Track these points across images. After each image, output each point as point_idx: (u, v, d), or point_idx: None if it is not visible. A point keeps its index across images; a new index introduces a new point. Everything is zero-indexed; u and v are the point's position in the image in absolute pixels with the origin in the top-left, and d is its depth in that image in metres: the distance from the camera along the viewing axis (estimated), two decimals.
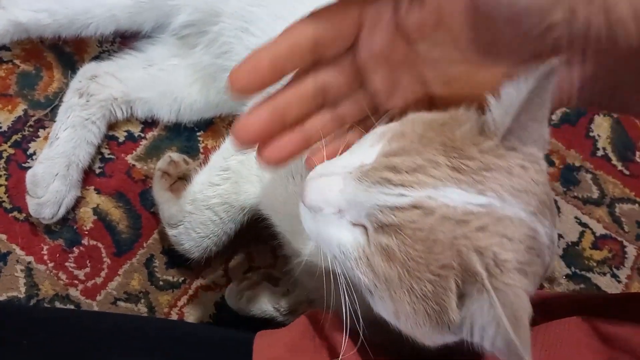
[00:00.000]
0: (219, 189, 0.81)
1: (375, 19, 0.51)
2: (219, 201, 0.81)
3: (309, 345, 0.64)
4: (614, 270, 1.03)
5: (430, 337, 0.55)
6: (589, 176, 1.08)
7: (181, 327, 0.78)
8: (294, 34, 0.51)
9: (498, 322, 0.48)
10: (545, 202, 0.54)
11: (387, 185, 0.51)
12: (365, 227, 0.53)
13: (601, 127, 1.12)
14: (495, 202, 0.50)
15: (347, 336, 0.61)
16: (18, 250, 0.91)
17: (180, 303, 0.92)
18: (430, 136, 0.53)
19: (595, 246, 1.03)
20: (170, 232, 0.86)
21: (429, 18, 0.50)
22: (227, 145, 0.84)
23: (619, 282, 1.02)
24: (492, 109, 0.53)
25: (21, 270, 0.90)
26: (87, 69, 0.99)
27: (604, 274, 1.02)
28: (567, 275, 1.01)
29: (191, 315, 0.92)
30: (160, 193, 0.90)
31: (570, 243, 1.03)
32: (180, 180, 0.92)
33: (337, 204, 0.53)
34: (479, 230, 0.50)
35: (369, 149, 0.55)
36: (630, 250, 1.04)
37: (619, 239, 1.04)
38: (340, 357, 0.60)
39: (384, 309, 0.55)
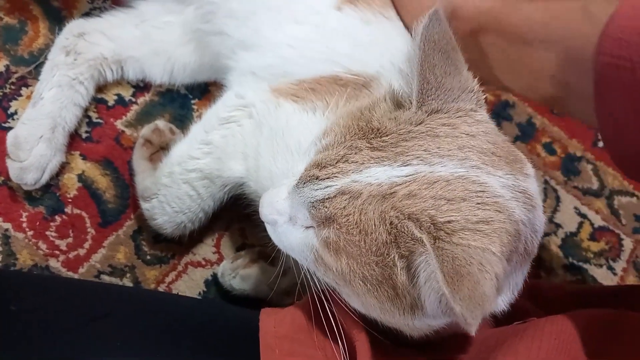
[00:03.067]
0: (199, 162, 0.77)
1: None
2: (198, 176, 0.77)
3: (316, 325, 0.61)
4: (610, 262, 1.02)
5: (408, 324, 0.54)
6: (589, 167, 1.06)
7: (181, 301, 0.74)
8: None
9: (434, 277, 0.47)
10: (491, 151, 0.53)
11: (314, 181, 0.53)
12: (314, 228, 0.54)
13: None
14: (421, 169, 0.50)
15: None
16: None
17: (168, 279, 0.87)
18: (350, 124, 0.54)
19: (593, 237, 1.02)
20: (144, 205, 0.82)
21: None
22: (209, 116, 0.79)
23: (615, 274, 1.01)
24: (400, 81, 0.55)
25: None
26: (75, 25, 0.92)
27: (601, 266, 1.01)
28: (564, 266, 1.00)
29: (179, 293, 0.87)
30: (138, 162, 0.86)
31: (568, 233, 1.02)
32: (162, 150, 0.87)
33: (286, 212, 0.55)
34: (406, 198, 0.50)
35: (312, 153, 0.57)
36: (627, 243, 1.03)
37: (617, 231, 1.04)
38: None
39: (354, 304, 0.56)
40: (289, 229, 0.56)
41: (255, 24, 0.79)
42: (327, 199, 0.52)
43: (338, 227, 0.51)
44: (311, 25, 0.77)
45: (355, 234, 0.51)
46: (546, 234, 1.01)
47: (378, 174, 0.51)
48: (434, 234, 0.48)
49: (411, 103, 0.54)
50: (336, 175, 0.52)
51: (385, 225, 0.50)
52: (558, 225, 1.02)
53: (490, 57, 0.70)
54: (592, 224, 1.03)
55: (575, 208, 1.03)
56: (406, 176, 0.50)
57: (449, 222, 0.48)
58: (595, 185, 1.05)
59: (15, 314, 0.60)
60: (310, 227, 0.54)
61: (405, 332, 0.57)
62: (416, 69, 0.53)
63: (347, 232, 0.51)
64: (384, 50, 0.73)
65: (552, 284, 0.96)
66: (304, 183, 0.54)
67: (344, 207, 0.51)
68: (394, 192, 0.50)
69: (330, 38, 0.75)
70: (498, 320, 0.65)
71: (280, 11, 0.78)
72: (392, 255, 0.50)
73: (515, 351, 0.60)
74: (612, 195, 1.05)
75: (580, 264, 1.00)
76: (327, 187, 0.52)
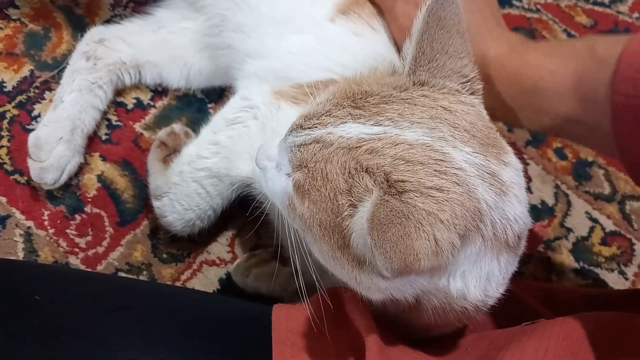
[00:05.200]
0: (207, 162, 0.79)
1: None
2: (207, 174, 0.79)
3: (328, 320, 0.62)
4: (622, 267, 1.02)
5: (355, 277, 0.54)
6: (601, 172, 1.07)
7: (196, 295, 0.76)
8: None
9: (365, 216, 0.49)
10: (465, 128, 0.55)
11: (299, 130, 0.56)
12: None
13: None
14: (390, 130, 0.53)
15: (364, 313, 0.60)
16: (18, 214, 0.88)
17: (183, 277, 0.89)
18: (345, 86, 0.58)
19: (604, 242, 1.02)
20: (155, 203, 0.84)
21: None
22: (217, 118, 0.82)
23: (626, 279, 1.01)
24: (402, 51, 0.59)
25: (20, 235, 0.87)
26: (95, 32, 0.95)
27: (612, 271, 1.01)
28: (575, 270, 1.00)
29: None
30: (153, 163, 0.88)
31: (580, 238, 1.02)
32: (176, 153, 0.89)
33: (274, 158, 0.58)
34: (368, 153, 0.52)
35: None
36: (639, 248, 1.03)
37: (628, 236, 1.03)
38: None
39: (314, 252, 0.57)
40: (275, 175, 0.59)
41: (259, 35, 0.82)
42: (303, 145, 0.55)
43: (307, 171, 0.54)
44: (311, 34, 0.80)
45: (319, 179, 0.53)
46: (557, 238, 1.01)
47: (351, 129, 0.54)
48: (385, 189, 0.50)
49: (403, 71, 0.58)
50: (316, 125, 0.55)
51: (344, 174, 0.52)
52: (569, 230, 1.02)
53: (496, 103, 0.70)
54: (603, 229, 1.03)
55: (587, 213, 1.04)
56: (374, 134, 0.53)
57: (402, 181, 0.50)
58: (606, 190, 1.06)
59: (39, 303, 0.62)
60: (289, 174, 0.57)
61: (357, 290, 0.58)
62: (415, 38, 0.56)
63: (312, 177, 0.54)
64: (372, 63, 0.76)
65: (564, 288, 0.96)
66: (291, 131, 0.57)
67: (315, 154, 0.54)
68: (359, 147, 0.53)
69: (326, 47, 0.79)
70: (506, 322, 0.66)
71: (283, 22, 0.81)
72: (344, 203, 0.52)
73: (523, 350, 0.60)
74: (624, 200, 1.06)
75: (592, 268, 1.01)
76: (306, 135, 0.55)
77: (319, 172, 0.54)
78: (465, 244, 0.52)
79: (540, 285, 0.90)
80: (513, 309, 0.67)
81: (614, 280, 1.01)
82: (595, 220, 1.03)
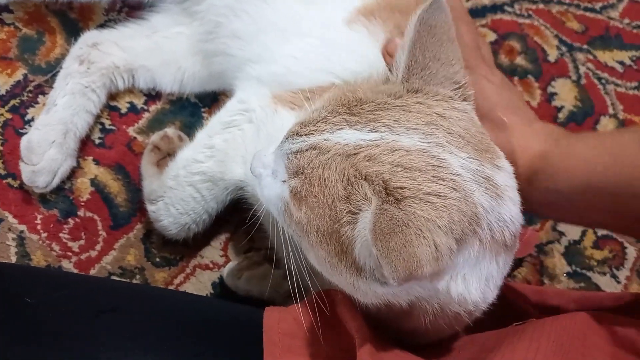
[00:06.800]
0: (202, 166, 0.80)
1: None
2: (202, 178, 0.80)
3: (321, 322, 0.62)
4: (614, 270, 1.02)
5: (353, 283, 0.55)
6: None
7: (187, 297, 0.76)
8: None
9: (367, 227, 0.50)
10: (460, 134, 0.56)
11: (294, 137, 0.56)
12: None
13: (607, 128, 1.11)
14: (387, 136, 0.53)
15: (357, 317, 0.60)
16: (11, 218, 0.88)
17: (176, 281, 0.89)
18: (339, 94, 0.59)
19: (596, 246, 1.03)
20: (150, 207, 0.84)
21: None
22: (213, 122, 0.82)
23: (618, 282, 1.02)
24: (395, 60, 0.59)
25: (13, 239, 0.87)
26: (89, 36, 0.96)
27: (604, 274, 1.02)
28: (567, 273, 1.01)
29: None
30: (146, 167, 0.89)
31: (572, 241, 1.02)
32: (169, 157, 0.90)
33: (270, 165, 0.59)
34: (367, 160, 0.53)
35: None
36: (631, 252, 1.04)
37: (620, 240, 1.04)
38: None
39: (310, 258, 0.58)
40: (270, 182, 0.59)
41: (263, 40, 0.82)
42: (300, 151, 0.56)
43: (304, 177, 0.55)
44: (316, 37, 0.80)
45: (316, 185, 0.54)
46: (549, 242, 1.02)
47: (347, 136, 0.54)
48: (384, 198, 0.51)
49: (396, 78, 0.58)
50: (312, 132, 0.56)
51: (343, 181, 0.53)
52: (561, 233, 1.03)
53: (546, 203, 0.66)
54: (595, 232, 1.03)
55: None
56: (371, 140, 0.53)
57: (400, 188, 0.51)
58: None
59: (30, 305, 0.62)
60: (286, 181, 0.58)
61: (354, 296, 0.58)
62: (407, 47, 0.57)
63: (309, 183, 0.54)
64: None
65: (556, 290, 0.96)
66: (287, 139, 0.58)
67: (312, 160, 0.55)
68: (357, 153, 0.53)
69: (332, 50, 0.78)
70: (498, 322, 0.66)
71: (288, 27, 0.81)
72: (343, 210, 0.53)
73: (513, 351, 0.60)
74: None
75: (584, 271, 1.01)
76: (302, 141, 0.56)
77: (317, 179, 0.54)
78: (462, 248, 0.53)
79: (533, 288, 0.90)
80: (502, 311, 0.67)
81: (606, 284, 1.01)
82: None
